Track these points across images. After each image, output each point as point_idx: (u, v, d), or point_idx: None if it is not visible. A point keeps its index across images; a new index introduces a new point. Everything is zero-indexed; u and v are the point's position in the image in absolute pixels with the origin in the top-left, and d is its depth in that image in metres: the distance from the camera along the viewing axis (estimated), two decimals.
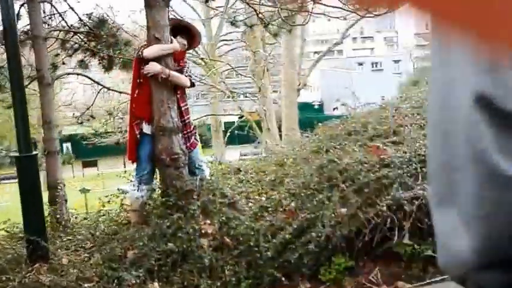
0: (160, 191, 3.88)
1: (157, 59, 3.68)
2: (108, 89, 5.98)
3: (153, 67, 3.67)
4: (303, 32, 17.12)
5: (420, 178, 2.95)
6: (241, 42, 16.27)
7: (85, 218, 4.43)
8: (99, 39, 5.15)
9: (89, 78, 5.43)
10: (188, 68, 4.06)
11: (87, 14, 4.97)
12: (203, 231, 3.28)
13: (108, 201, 4.37)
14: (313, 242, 2.85)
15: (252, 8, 5.07)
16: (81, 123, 7.87)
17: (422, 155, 3.11)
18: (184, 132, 3.90)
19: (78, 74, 5.43)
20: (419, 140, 3.31)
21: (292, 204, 3.22)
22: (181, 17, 6.22)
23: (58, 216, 4.15)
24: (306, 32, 17.60)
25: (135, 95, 3.77)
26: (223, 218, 3.29)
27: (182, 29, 3.93)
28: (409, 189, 2.89)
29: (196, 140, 4.16)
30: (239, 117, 17.79)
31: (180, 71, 3.82)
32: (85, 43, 5.19)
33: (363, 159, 3.24)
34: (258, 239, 2.99)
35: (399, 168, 3.05)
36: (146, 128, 3.81)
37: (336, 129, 4.59)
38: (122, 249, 3.26)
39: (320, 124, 5.33)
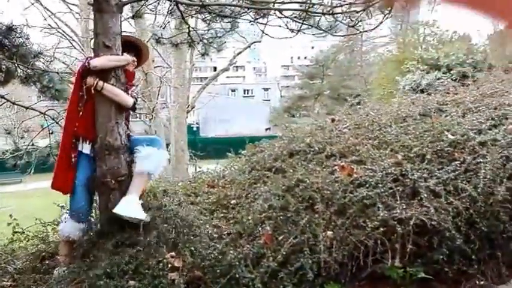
0: (99, 220, 3.16)
1: (107, 72, 3.02)
2: (13, 103, 4.83)
3: (88, 79, 3.01)
4: (192, 57, 16.86)
5: (398, 197, 2.82)
6: None
7: None
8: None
9: None
10: (135, 89, 3.44)
11: None
12: (169, 265, 2.68)
13: (22, 232, 3.53)
14: (305, 269, 2.50)
15: (187, 23, 4.56)
16: None
17: (393, 174, 3.01)
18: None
19: None
20: (381, 159, 3.22)
21: (268, 228, 2.83)
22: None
23: None
24: (194, 57, 17.29)
25: (81, 113, 3.02)
26: (192, 248, 2.74)
27: (129, 46, 3.26)
28: (392, 209, 2.74)
29: None
30: None
31: (126, 91, 3.18)
32: None
33: (336, 179, 3.02)
34: (241, 270, 2.52)
35: (374, 188, 2.90)
36: (86, 148, 3.07)
37: (272, 149, 4.32)
38: None
39: (251, 144, 5.04)
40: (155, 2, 4.24)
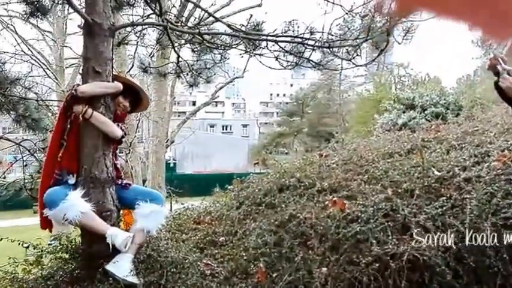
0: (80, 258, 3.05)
1: (96, 99, 2.99)
2: None
3: (75, 107, 2.96)
4: (173, 91, 16.95)
5: (390, 233, 2.86)
6: None
7: None
8: None
9: None
10: (123, 124, 3.38)
11: None
12: None
13: None
14: None
15: (177, 53, 4.63)
16: None
17: (384, 209, 3.06)
18: None
19: None
20: (371, 194, 3.27)
21: (261, 265, 2.80)
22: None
23: None
24: (175, 91, 17.39)
25: (65, 144, 2.94)
26: None
27: (128, 91, 3.17)
28: (384, 244, 2.77)
29: None
30: None
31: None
32: None
33: (329, 215, 3.04)
34: None
35: (366, 223, 2.94)
36: (71, 180, 2.99)
37: (262, 184, 4.33)
38: None
39: (237, 179, 5.02)
40: (145, 29, 4.29)
